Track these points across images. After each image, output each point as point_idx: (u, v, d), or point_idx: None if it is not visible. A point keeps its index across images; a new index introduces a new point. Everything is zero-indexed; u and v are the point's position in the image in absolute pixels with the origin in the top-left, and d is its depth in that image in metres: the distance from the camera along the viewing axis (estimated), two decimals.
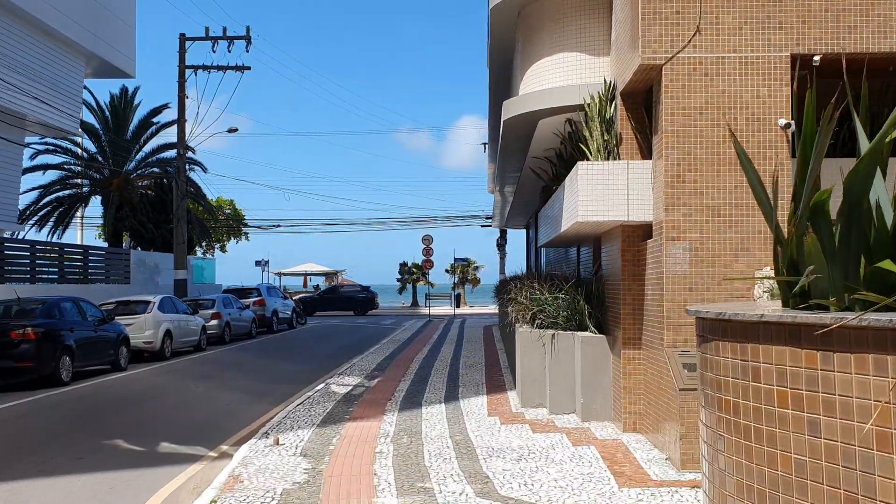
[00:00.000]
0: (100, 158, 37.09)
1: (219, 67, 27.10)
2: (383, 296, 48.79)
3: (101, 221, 38.01)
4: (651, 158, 8.71)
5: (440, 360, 17.29)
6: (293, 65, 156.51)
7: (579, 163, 8.64)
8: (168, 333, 19.37)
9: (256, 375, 16.29)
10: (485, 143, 43.35)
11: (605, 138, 8.96)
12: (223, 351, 21.66)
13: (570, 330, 10.34)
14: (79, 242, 39.80)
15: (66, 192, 37.80)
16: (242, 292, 28.43)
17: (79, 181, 38.33)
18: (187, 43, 27.42)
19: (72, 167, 37.53)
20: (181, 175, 26.70)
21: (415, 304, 54.69)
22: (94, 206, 42.76)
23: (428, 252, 35.43)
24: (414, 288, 54.82)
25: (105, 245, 34.44)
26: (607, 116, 9.01)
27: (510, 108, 10.43)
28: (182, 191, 26.64)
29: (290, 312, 30.44)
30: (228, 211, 51.14)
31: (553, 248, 17.63)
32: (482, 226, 42.07)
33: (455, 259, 41.96)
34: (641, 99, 9.00)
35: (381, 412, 10.79)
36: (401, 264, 54.49)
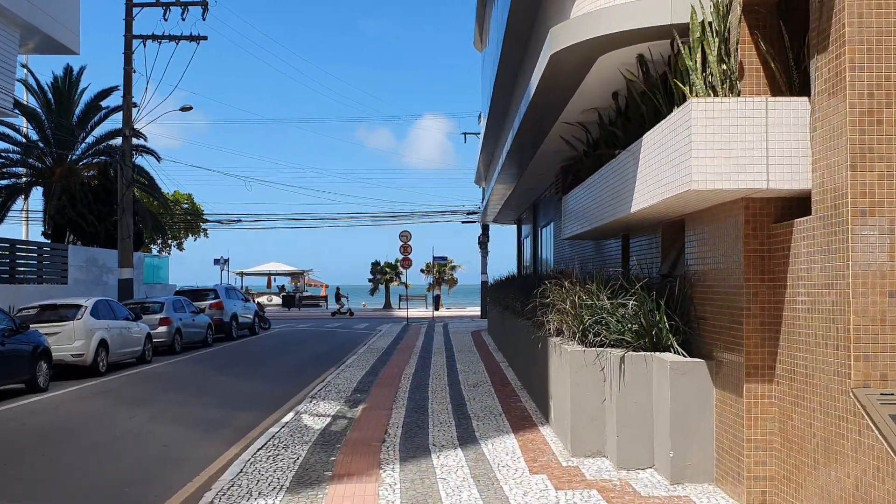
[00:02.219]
0: (42, 145, 33.48)
1: (171, 37, 23.75)
2: (354, 296, 45.61)
3: (42, 216, 34.46)
4: (795, 95, 5.80)
5: (435, 378, 14.24)
6: (258, 38, 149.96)
7: (692, 101, 5.67)
8: (103, 344, 16.07)
9: (209, 398, 13.10)
10: (465, 134, 40.49)
11: (723, 67, 5.99)
12: (172, 363, 18.37)
13: (642, 350, 7.37)
14: (23, 238, 36.11)
15: (4, 181, 34.17)
16: (197, 294, 25.10)
17: (19, 170, 34.69)
18: (135, 10, 24.02)
19: (10, 155, 33.89)
20: (126, 159, 23.28)
21: (388, 305, 51.57)
22: (38, 199, 39.02)
23: (405, 249, 32.30)
24: (387, 289, 51.65)
25: (47, 241, 30.80)
26: (725, 34, 6.05)
27: (561, 37, 7.43)
28: (128, 178, 23.23)
29: (251, 316, 27.15)
30: (186, 205, 47.54)
31: (570, 242, 14.70)
32: (463, 222, 39.10)
33: (434, 257, 38.90)
34: (773, 8, 6.07)
35: (374, 464, 7.73)
36: (373, 263, 51.29)
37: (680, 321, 7.23)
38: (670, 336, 7.24)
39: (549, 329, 8.77)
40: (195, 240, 48.80)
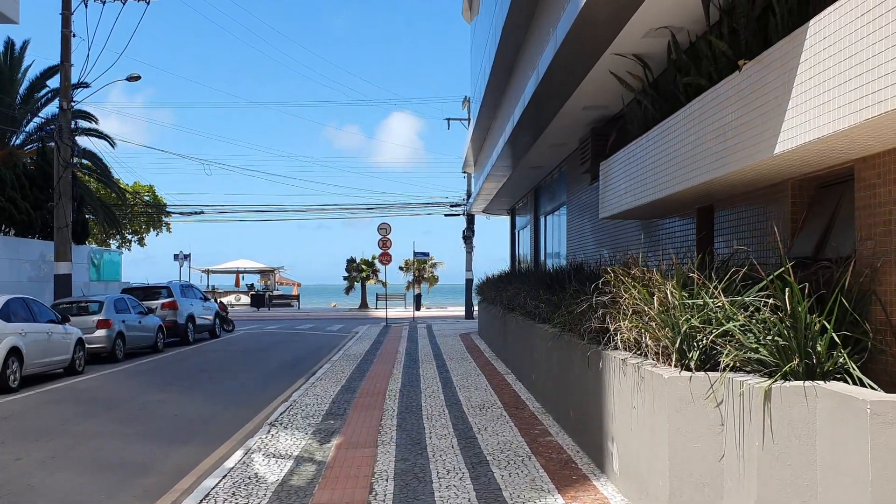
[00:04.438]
0: None
1: None
2: (328, 296, 42.66)
3: None
4: None
5: (428, 395, 11.36)
6: (227, 7, 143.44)
7: None
8: (14, 352, 13.01)
9: (139, 425, 10.14)
10: (449, 120, 37.67)
11: None
12: (107, 375, 15.32)
13: (791, 376, 4.55)
14: None
15: None
16: (148, 292, 22.01)
17: None
18: None
19: None
20: (64, 136, 20.10)
21: (364, 305, 48.56)
22: None
23: (385, 243, 29.32)
24: (363, 287, 48.56)
25: None
26: None
27: None
28: (65, 157, 20.06)
29: (211, 318, 24.06)
30: (148, 198, 44.14)
31: (596, 228, 11.90)
32: (447, 215, 36.17)
33: (415, 253, 35.95)
34: None
35: None
36: (348, 260, 48.16)
37: (868, 331, 4.41)
38: (843, 355, 4.42)
39: (616, 341, 5.92)
40: (157, 235, 45.38)
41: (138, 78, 20.89)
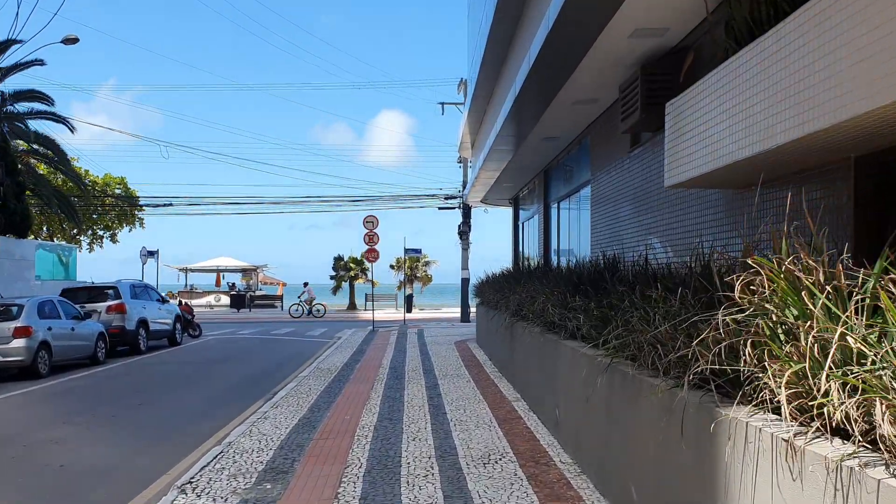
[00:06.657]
0: None
1: None
2: (317, 296, 39.60)
3: None
4: None
5: (413, 437, 8.33)
6: None
7: None
8: None
9: (17, 478, 7.13)
10: (443, 104, 34.74)
11: None
12: (10, 399, 12.28)
13: None
14: None
15: None
16: (94, 293, 18.96)
17: None
18: None
19: None
20: None
21: (352, 306, 45.47)
22: None
23: (371, 238, 26.25)
24: (351, 287, 45.42)
25: None
26: None
27: None
28: None
29: (170, 322, 20.94)
30: (119, 190, 40.97)
31: (637, 212, 8.90)
32: (440, 208, 33.13)
33: (406, 250, 32.90)
34: None
35: None
36: (335, 258, 45.03)
37: None
38: None
39: (781, 402, 2.90)
40: (130, 231, 42.18)
41: (76, 40, 17.81)
